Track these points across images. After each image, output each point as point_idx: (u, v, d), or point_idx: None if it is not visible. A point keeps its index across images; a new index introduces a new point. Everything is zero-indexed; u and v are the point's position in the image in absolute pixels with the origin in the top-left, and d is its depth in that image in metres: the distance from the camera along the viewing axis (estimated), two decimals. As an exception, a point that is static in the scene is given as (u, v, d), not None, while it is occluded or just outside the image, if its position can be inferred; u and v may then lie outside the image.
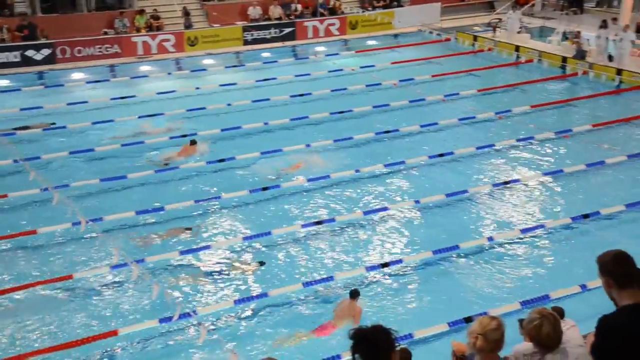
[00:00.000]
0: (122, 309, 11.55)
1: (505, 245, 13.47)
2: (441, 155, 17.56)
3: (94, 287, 12.14)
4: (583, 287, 11.41)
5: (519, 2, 33.21)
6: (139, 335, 10.77)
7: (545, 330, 4.66)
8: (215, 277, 12.46)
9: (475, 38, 29.34)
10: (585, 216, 14.29)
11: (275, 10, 30.61)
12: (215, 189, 15.91)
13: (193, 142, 18.13)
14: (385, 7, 32.66)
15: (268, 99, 22.06)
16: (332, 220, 14.35)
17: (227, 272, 12.57)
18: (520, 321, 5.35)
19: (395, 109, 21.40)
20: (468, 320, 10.36)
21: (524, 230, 13.85)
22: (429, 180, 16.48)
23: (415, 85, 23.79)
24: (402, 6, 32.97)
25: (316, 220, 14.35)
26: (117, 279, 12.34)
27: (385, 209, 14.89)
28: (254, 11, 30.35)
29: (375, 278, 12.34)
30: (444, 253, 12.90)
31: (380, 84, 23.70)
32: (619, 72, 23.95)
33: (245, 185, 15.95)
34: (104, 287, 12.16)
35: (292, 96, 22.37)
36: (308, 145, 18.08)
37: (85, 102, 22.02)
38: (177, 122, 20.09)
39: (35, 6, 27.81)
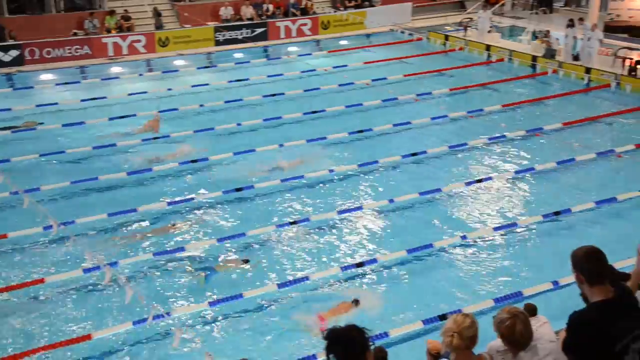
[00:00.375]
0: (96, 312, 11.43)
1: (479, 243, 13.57)
2: (414, 154, 17.65)
3: (66, 291, 12.00)
4: (555, 283, 11.56)
5: (490, 2, 33.52)
6: (113, 339, 10.67)
7: (518, 330, 4.70)
8: (190, 278, 12.38)
9: (446, 38, 29.55)
10: (557, 213, 14.46)
11: (247, 11, 30.55)
12: (188, 190, 15.82)
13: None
14: (357, 7, 32.78)
15: (241, 100, 22.01)
16: (307, 220, 14.36)
17: (200, 274, 12.49)
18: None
19: (368, 108, 21.48)
20: (442, 318, 10.43)
21: (496, 228, 13.97)
22: (403, 179, 16.55)
23: (387, 84, 23.88)
24: (373, 6, 33.11)
25: (291, 220, 14.34)
26: (90, 283, 12.21)
27: (359, 208, 14.93)
28: (226, 11, 30.25)
29: (350, 278, 12.36)
30: (418, 252, 12.96)
31: (352, 83, 23.75)
32: (588, 70, 24.28)
33: (219, 186, 15.87)
34: (77, 291, 12.02)
35: (264, 96, 22.33)
36: (281, 146, 18.06)
37: (55, 103, 21.76)
38: (150, 123, 19.91)
39: (3, 7, 27.43)
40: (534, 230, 14.07)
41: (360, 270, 12.50)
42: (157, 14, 28.97)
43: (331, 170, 16.70)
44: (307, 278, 12.14)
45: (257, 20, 30.34)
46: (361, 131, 19.26)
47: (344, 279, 12.32)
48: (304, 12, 31.64)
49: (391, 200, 15.20)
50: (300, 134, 18.96)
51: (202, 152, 17.81)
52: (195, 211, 14.93)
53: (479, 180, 16.26)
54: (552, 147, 18.49)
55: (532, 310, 7.75)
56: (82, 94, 22.95)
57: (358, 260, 12.81)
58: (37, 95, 23.05)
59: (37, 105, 21.39)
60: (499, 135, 19.05)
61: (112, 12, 28.20)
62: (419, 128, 19.89)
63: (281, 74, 25.01)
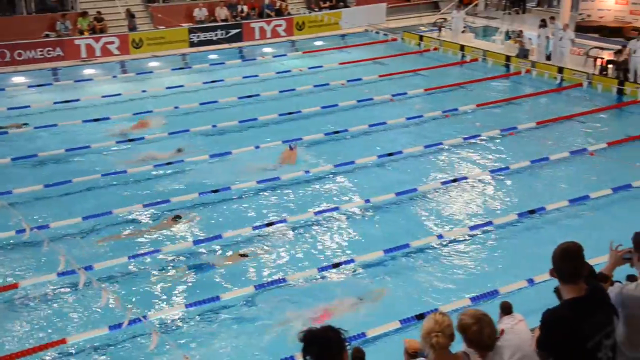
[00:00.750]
0: (71, 316, 11.32)
1: (455, 242, 13.65)
2: (390, 154, 17.71)
3: (41, 296, 11.85)
4: (530, 281, 11.66)
5: (463, 2, 33.72)
6: (88, 343, 10.56)
7: (486, 333, 4.71)
8: (165, 281, 12.30)
9: (421, 38, 29.67)
10: (531, 212, 14.59)
11: (222, 12, 30.43)
12: (163, 192, 15.71)
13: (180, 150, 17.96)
14: (331, 7, 32.80)
15: (216, 101, 21.92)
16: (283, 221, 14.33)
17: (176, 276, 12.43)
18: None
19: (344, 109, 21.50)
20: (420, 317, 10.47)
21: (472, 227, 14.06)
22: (379, 180, 16.59)
23: (363, 85, 23.94)
24: (348, 7, 33.16)
25: (267, 222, 14.30)
26: (64, 286, 12.07)
27: (335, 209, 14.94)
28: (200, 12, 30.10)
29: (327, 278, 12.36)
30: (394, 252, 13.00)
31: (328, 84, 23.77)
32: (560, 70, 24.55)
33: (196, 188, 15.78)
34: (51, 295, 11.88)
35: (240, 98, 22.25)
36: (257, 147, 18.01)
37: (27, 106, 21.44)
38: (124, 126, 19.78)
39: (-27, 9, 27.08)
40: (509, 229, 14.18)
41: (337, 270, 12.50)
42: (130, 15, 28.71)
43: (307, 171, 16.70)
44: (284, 280, 12.12)
45: (232, 22, 30.22)
46: (337, 132, 19.28)
47: (321, 279, 12.31)
48: (279, 13, 31.60)
49: (367, 201, 15.23)
50: (276, 135, 18.91)
51: (178, 154, 17.71)
52: (171, 213, 14.82)
53: (455, 180, 16.35)
54: (526, 146, 18.65)
55: (507, 309, 7.83)
56: (55, 96, 22.69)
57: (335, 260, 12.82)
58: (8, 97, 22.71)
59: (9, 108, 21.11)
60: (474, 134, 19.18)
61: (84, 14, 27.89)
62: (395, 128, 19.96)
63: (256, 75, 24.93)
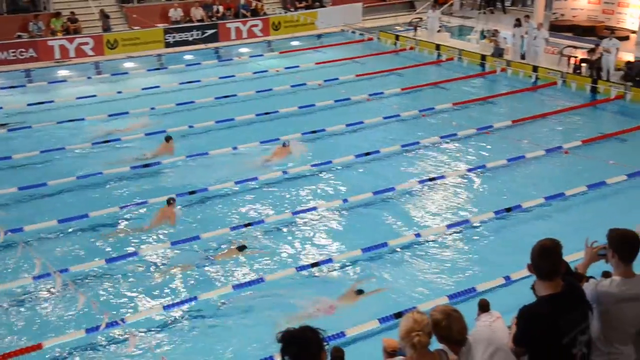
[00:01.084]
0: (47, 320, 11.20)
1: (432, 241, 13.71)
2: (367, 153, 17.75)
3: (16, 299, 11.72)
4: (507, 278, 11.74)
5: (439, 2, 33.89)
6: (65, 347, 10.46)
7: (455, 328, 4.72)
8: (143, 283, 12.22)
9: (397, 37, 29.78)
10: (508, 210, 14.71)
11: (197, 12, 30.28)
12: (140, 194, 15.61)
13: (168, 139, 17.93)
14: (307, 7, 32.79)
15: (192, 102, 21.81)
16: (261, 222, 14.30)
17: (154, 278, 12.36)
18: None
19: (321, 109, 21.51)
20: (398, 316, 10.50)
21: (449, 226, 14.14)
22: (357, 179, 16.62)
23: (339, 85, 23.96)
24: (324, 6, 33.17)
25: (245, 222, 14.26)
26: (40, 290, 11.95)
27: (313, 208, 14.94)
28: (175, 13, 29.94)
29: (306, 278, 12.35)
30: (372, 251, 13.04)
31: (305, 84, 23.76)
32: (535, 69, 24.77)
33: (173, 189, 15.67)
34: (27, 299, 11.76)
35: (216, 98, 22.16)
36: (235, 148, 17.95)
37: (0, 108, 21.22)
38: (99, 127, 19.62)
39: (-57, 9, 26.68)
40: (486, 227, 14.28)
41: (315, 270, 12.51)
42: (104, 15, 28.47)
43: (284, 172, 16.68)
44: (262, 279, 12.09)
45: (208, 22, 30.09)
46: (314, 131, 19.28)
47: (300, 279, 12.31)
48: (255, 13, 31.52)
49: (345, 200, 15.26)
50: (253, 136, 18.86)
51: (154, 154, 17.60)
52: (148, 215, 14.72)
53: (432, 179, 16.42)
54: (502, 145, 18.79)
55: (485, 306, 7.88)
56: (29, 97, 22.44)
57: (313, 260, 12.82)
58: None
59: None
60: (450, 133, 19.28)
61: (57, 14, 27.61)
62: (372, 127, 20.01)
63: (233, 76, 24.86)
